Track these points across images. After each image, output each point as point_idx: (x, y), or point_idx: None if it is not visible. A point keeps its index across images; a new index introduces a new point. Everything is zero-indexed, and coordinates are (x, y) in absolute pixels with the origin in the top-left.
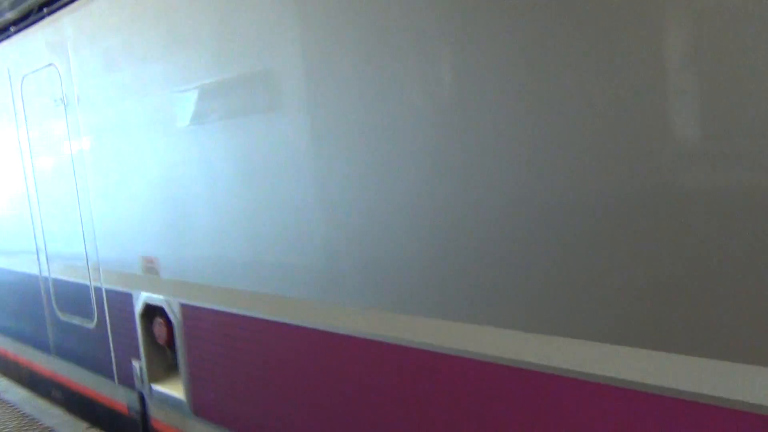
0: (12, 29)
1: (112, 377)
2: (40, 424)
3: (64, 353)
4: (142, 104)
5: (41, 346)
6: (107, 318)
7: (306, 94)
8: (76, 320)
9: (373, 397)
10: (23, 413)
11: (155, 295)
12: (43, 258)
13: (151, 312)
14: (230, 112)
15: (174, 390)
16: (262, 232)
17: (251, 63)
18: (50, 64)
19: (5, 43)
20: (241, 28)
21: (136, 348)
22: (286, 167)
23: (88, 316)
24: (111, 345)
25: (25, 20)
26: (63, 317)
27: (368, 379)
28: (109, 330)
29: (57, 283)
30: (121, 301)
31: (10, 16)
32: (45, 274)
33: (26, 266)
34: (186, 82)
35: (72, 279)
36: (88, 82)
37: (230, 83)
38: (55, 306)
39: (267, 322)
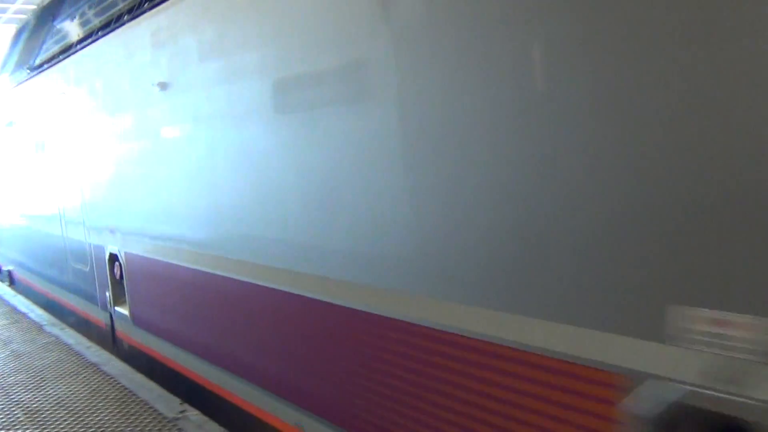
0: (45, 66)
1: (96, 303)
2: (137, 397)
3: (74, 290)
4: (112, 125)
5: (64, 286)
6: (94, 263)
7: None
8: (80, 266)
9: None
10: (122, 385)
11: (114, 247)
12: (63, 223)
13: (113, 258)
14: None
15: (124, 310)
16: (167, 208)
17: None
18: (64, 93)
19: (47, 72)
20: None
21: (107, 283)
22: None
23: (85, 263)
24: (96, 282)
25: (50, 62)
26: (74, 264)
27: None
28: (95, 271)
29: (70, 240)
30: (99, 252)
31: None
32: (64, 234)
33: (55, 230)
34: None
35: (77, 238)
36: (82, 105)
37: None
38: (69, 257)
39: (169, 264)
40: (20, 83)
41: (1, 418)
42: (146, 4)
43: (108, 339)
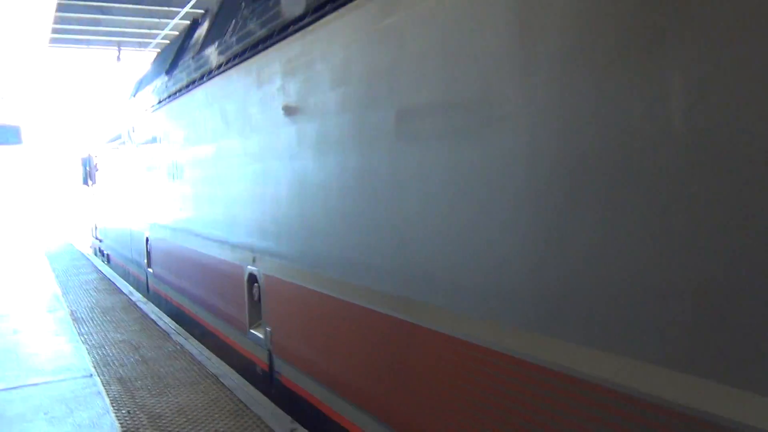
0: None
1: (142, 267)
2: (251, 411)
3: (133, 261)
4: (153, 153)
5: (130, 259)
6: (138, 244)
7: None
8: (136, 246)
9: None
10: (237, 398)
11: (146, 233)
12: (128, 220)
13: (147, 240)
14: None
15: (151, 269)
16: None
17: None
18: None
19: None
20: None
21: (143, 254)
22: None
23: (139, 243)
24: (141, 253)
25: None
26: (134, 246)
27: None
28: (140, 247)
29: (133, 231)
30: (142, 236)
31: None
32: (130, 228)
33: (126, 225)
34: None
35: (135, 229)
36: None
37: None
38: (132, 241)
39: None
40: (150, 110)
41: (127, 420)
42: (273, 38)
43: (144, 288)
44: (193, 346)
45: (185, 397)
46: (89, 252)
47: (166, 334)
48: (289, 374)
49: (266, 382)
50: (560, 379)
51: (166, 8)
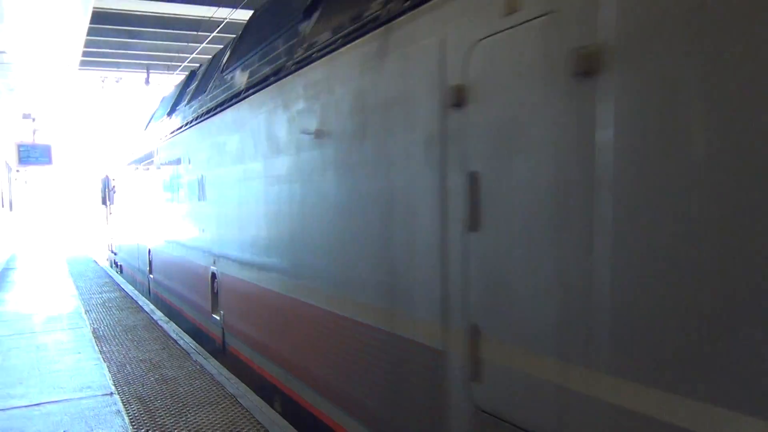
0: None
1: (145, 275)
2: None
3: (140, 270)
4: (172, 178)
5: (138, 269)
6: (143, 255)
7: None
8: (142, 257)
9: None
10: (256, 419)
11: (148, 246)
12: (136, 237)
13: (149, 252)
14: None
15: (152, 275)
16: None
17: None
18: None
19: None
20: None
21: (146, 262)
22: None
23: (144, 255)
24: (145, 262)
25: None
26: (140, 257)
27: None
28: (144, 258)
29: (139, 245)
30: (146, 249)
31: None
32: (138, 243)
33: (134, 241)
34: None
35: (141, 244)
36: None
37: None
38: (139, 253)
39: (164, 252)
40: (167, 136)
41: None
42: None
43: (147, 291)
44: (213, 366)
45: (204, 418)
46: (107, 264)
47: (186, 354)
48: (234, 344)
49: (221, 351)
50: (344, 320)
51: (194, 32)
